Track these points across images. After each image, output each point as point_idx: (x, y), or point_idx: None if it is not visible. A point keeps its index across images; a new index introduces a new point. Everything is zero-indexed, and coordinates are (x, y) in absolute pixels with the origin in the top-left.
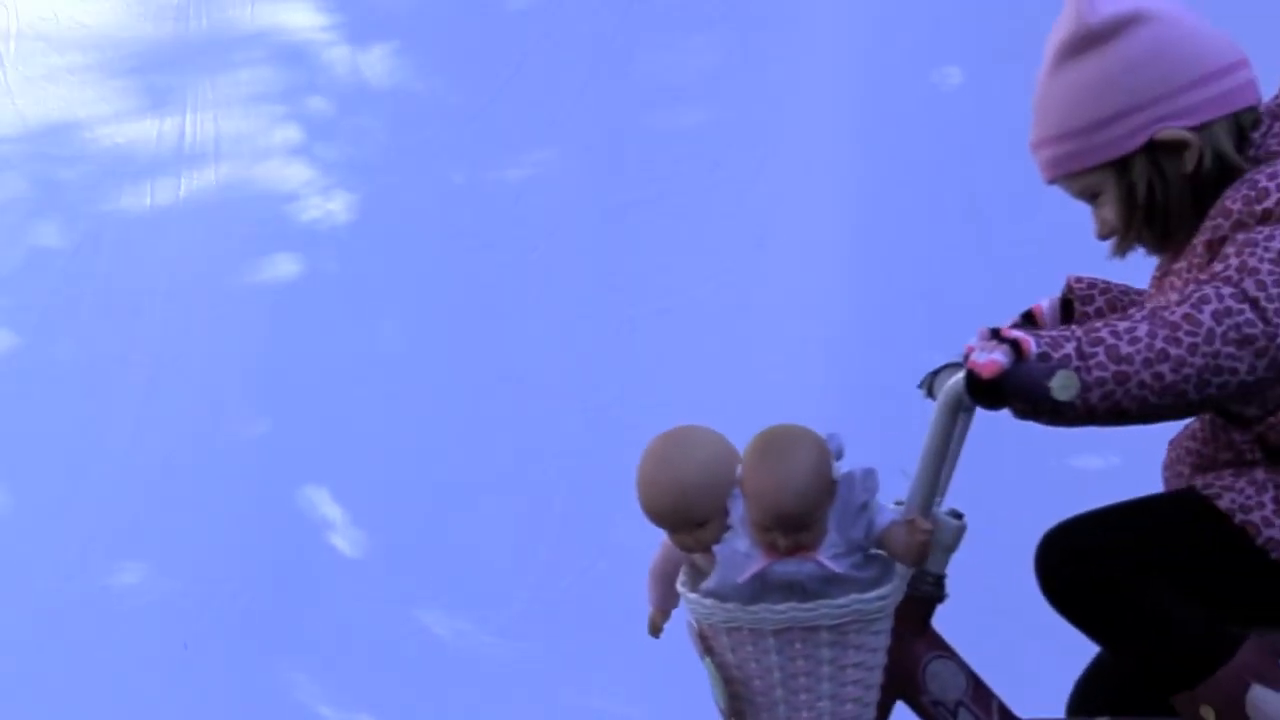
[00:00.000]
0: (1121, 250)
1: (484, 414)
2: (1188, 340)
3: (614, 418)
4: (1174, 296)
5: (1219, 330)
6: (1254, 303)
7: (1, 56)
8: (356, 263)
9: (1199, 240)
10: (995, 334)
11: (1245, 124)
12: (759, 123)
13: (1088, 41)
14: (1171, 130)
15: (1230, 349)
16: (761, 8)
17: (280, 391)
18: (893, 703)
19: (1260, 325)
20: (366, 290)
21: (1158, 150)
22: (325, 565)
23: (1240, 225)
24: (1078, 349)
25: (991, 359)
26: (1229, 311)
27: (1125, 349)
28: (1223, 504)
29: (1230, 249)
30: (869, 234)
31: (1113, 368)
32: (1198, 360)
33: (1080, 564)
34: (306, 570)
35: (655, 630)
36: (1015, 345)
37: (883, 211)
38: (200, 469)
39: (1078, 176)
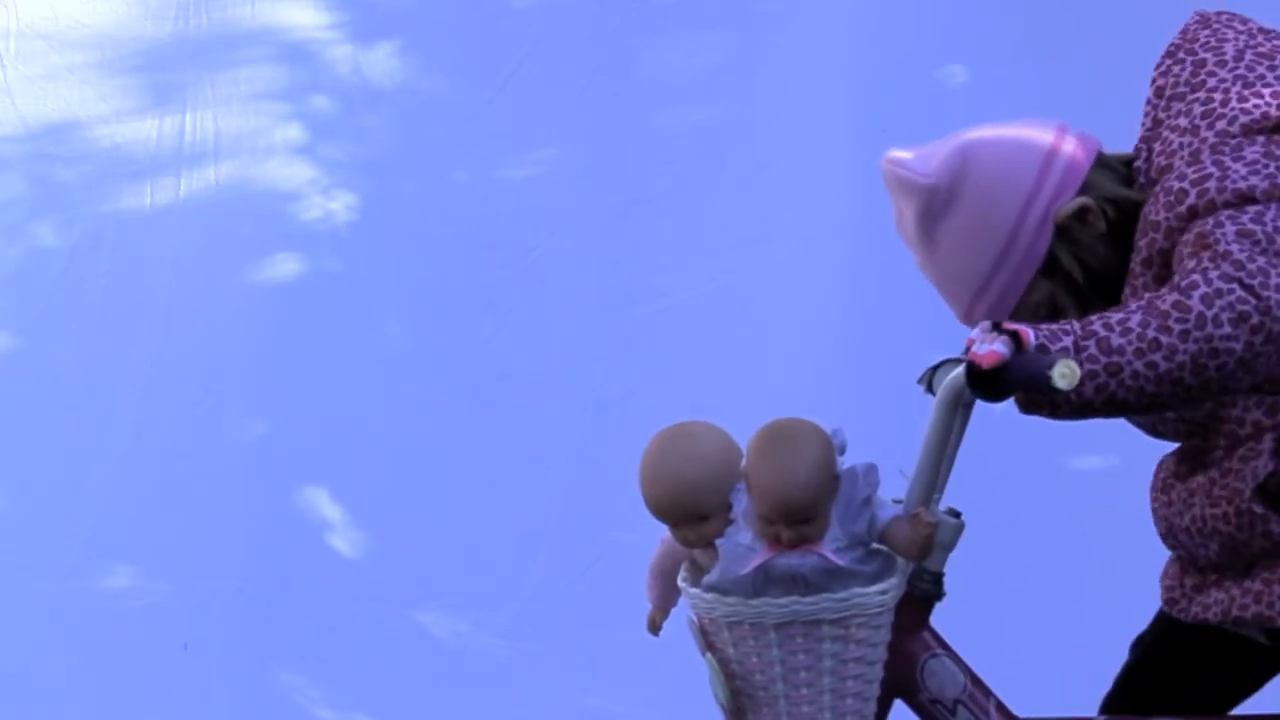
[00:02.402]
0: None
1: (484, 413)
2: (1178, 327)
3: (615, 417)
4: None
5: (1210, 314)
6: (1239, 281)
7: (1, 56)
8: (358, 262)
9: (1135, 261)
10: (996, 326)
11: (1115, 163)
12: (763, 121)
13: (940, 197)
14: (1066, 205)
15: (1225, 330)
16: (765, 5)
17: (280, 392)
18: (891, 701)
19: (1253, 301)
20: (368, 290)
21: (1067, 230)
22: (324, 566)
23: (1172, 231)
24: (1074, 342)
25: (992, 349)
26: (1219, 293)
27: (1117, 340)
28: None
29: (1186, 249)
30: (872, 232)
31: (1104, 360)
32: (1190, 346)
33: None
34: (305, 571)
35: (654, 628)
36: (1015, 336)
37: (886, 210)
38: (199, 469)
39: (1023, 302)
